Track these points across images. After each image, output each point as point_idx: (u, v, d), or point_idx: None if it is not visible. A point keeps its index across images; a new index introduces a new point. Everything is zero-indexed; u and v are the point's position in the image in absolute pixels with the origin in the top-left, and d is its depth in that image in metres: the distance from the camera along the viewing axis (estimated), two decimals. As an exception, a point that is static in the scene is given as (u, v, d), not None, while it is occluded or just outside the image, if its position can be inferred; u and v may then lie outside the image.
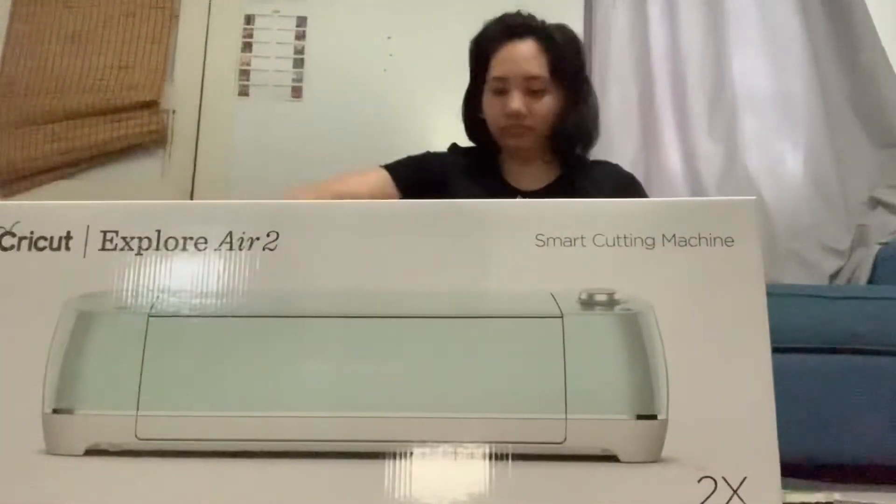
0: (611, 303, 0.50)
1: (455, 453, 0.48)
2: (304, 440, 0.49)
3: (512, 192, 1.27)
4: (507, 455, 0.48)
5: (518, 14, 1.29)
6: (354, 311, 0.50)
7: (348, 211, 0.53)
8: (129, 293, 0.51)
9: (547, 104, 1.24)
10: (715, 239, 0.51)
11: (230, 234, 0.52)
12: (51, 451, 0.49)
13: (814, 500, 0.95)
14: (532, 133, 1.24)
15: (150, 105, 2.22)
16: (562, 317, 0.50)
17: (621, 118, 2.16)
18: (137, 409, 0.49)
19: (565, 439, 0.49)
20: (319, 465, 0.48)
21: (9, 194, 2.16)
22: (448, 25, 2.12)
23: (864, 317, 1.32)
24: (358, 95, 2.16)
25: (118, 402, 0.49)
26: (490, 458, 0.48)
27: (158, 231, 0.52)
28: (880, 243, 1.91)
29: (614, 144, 2.13)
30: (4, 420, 0.49)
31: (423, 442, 0.48)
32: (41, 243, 0.52)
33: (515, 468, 0.47)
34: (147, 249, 0.52)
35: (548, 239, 0.51)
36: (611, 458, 0.49)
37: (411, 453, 0.48)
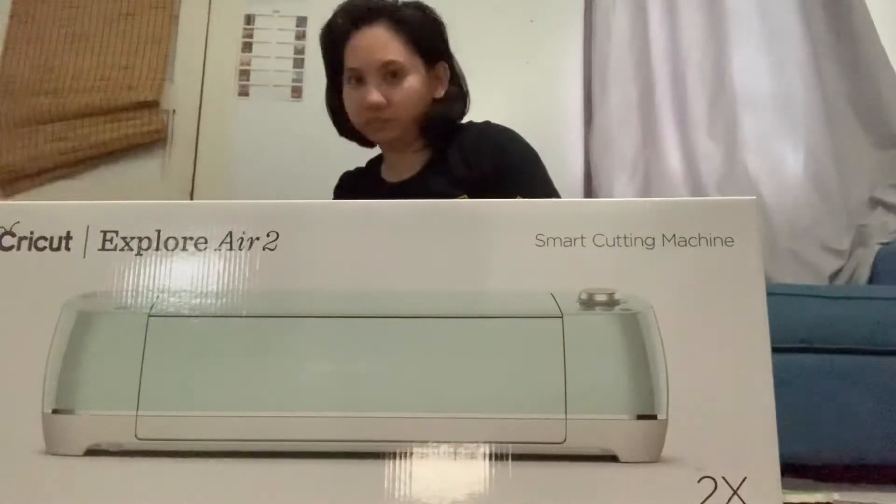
0: (611, 303, 0.50)
1: (455, 453, 0.48)
2: (304, 440, 0.49)
3: (379, 187, 1.22)
4: (507, 455, 0.48)
5: None
6: (354, 311, 0.51)
7: (349, 211, 0.53)
8: (129, 293, 0.51)
9: (408, 89, 1.13)
10: (715, 239, 0.51)
11: (230, 234, 0.52)
12: (51, 451, 0.49)
13: (813, 500, 0.95)
14: (396, 123, 1.14)
15: (151, 105, 2.22)
16: (562, 317, 0.50)
17: (621, 118, 2.16)
18: (137, 410, 0.49)
19: (565, 439, 0.49)
20: (319, 466, 0.48)
21: (9, 194, 2.16)
22: (448, 25, 2.12)
23: (864, 317, 1.32)
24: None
25: (118, 403, 0.49)
26: (490, 458, 0.48)
27: (158, 231, 0.52)
28: (880, 243, 1.91)
29: (614, 144, 2.14)
30: (4, 420, 0.49)
31: (423, 442, 0.48)
32: (41, 243, 0.52)
33: (515, 468, 0.48)
34: (147, 249, 0.52)
35: (548, 239, 0.51)
36: (611, 458, 0.49)
37: (411, 453, 0.48)
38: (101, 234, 0.52)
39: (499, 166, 1.12)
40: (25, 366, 0.50)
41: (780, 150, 2.08)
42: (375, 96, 1.11)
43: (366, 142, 1.23)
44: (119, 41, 2.28)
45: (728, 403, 0.48)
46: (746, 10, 2.19)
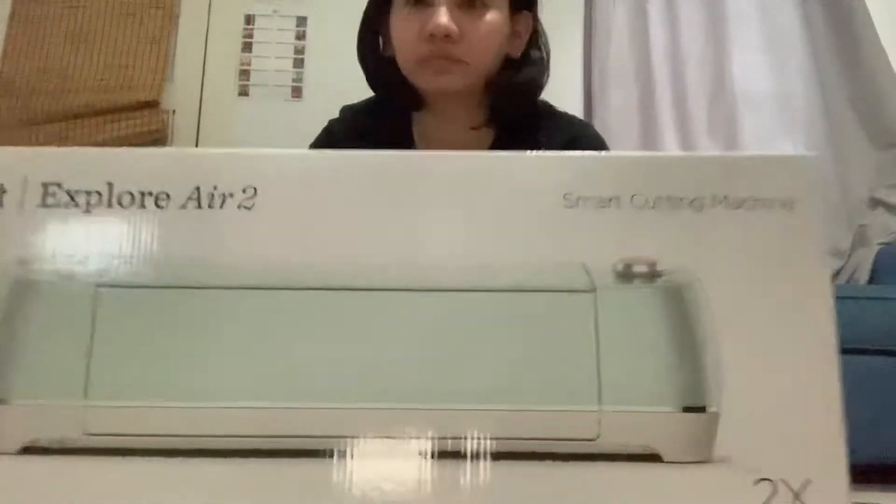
0: (651, 275, 0.43)
1: (466, 451, 0.41)
2: (290, 436, 0.42)
3: None
4: (528, 454, 0.41)
5: None
6: (348, 284, 0.43)
7: (340, 163, 0.45)
8: (75, 258, 0.43)
9: (489, 25, 0.82)
10: (773, 201, 0.43)
11: (197, 189, 0.44)
12: None
13: None
14: (464, 69, 0.82)
15: (151, 105, 2.22)
16: (594, 291, 0.43)
17: (621, 118, 2.16)
18: (86, 399, 0.41)
19: (599, 436, 0.42)
20: (311, 465, 0.41)
21: (9, 194, 2.16)
22: (448, 25, 2.12)
23: (864, 317, 1.32)
24: (358, 95, 2.15)
25: (62, 390, 0.42)
26: (508, 457, 0.41)
27: (111, 184, 0.44)
28: (880, 243, 1.91)
29: (614, 144, 2.13)
30: None
31: (428, 437, 0.41)
32: None
33: (538, 469, 0.41)
34: (97, 206, 0.44)
35: (578, 199, 0.43)
36: (652, 458, 0.42)
37: (417, 449, 0.41)
38: (42, 188, 0.44)
39: None
40: None
41: (779, 149, 2.08)
42: (446, 20, 0.79)
43: (404, 106, 0.90)
44: (119, 41, 2.28)
45: (788, 394, 0.41)
46: (746, 10, 2.19)
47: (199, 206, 0.43)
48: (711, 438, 0.41)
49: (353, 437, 0.41)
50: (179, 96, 2.26)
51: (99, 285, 0.42)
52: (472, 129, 0.88)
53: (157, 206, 0.43)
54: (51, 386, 0.42)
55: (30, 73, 2.24)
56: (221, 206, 0.44)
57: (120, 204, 0.44)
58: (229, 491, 0.41)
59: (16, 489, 0.40)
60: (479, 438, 0.41)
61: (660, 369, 0.42)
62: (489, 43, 0.83)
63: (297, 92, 2.24)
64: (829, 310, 0.42)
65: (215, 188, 0.44)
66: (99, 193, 0.44)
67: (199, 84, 2.27)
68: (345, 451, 0.41)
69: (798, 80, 2.13)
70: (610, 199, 0.44)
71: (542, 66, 0.93)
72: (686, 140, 2.12)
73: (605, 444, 0.42)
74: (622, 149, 2.13)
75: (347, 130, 0.94)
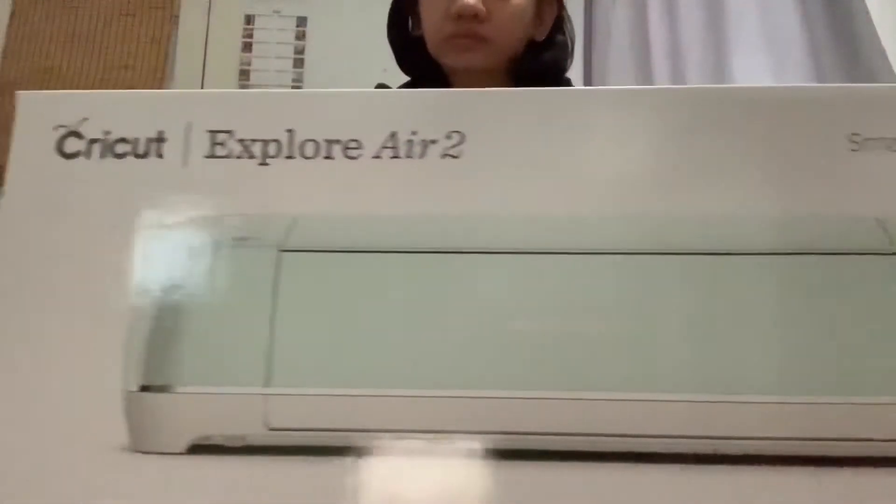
0: None
1: (763, 453, 0.32)
2: (552, 433, 0.33)
3: None
4: (827, 458, 0.33)
5: None
6: (584, 245, 0.34)
7: (570, 101, 0.37)
8: (252, 219, 0.36)
9: (514, 7, 0.85)
10: None
11: (394, 135, 0.36)
12: (138, 447, 0.33)
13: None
14: (489, 48, 0.85)
15: (150, 105, 2.22)
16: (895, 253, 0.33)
17: (621, 118, 2.16)
18: (267, 386, 0.33)
19: None
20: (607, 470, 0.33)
21: (9, 194, 2.16)
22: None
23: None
24: (358, 95, 2.15)
25: (238, 376, 0.34)
26: (795, 462, 0.32)
27: (290, 131, 0.37)
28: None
29: (614, 144, 2.14)
30: (69, 402, 0.33)
31: (708, 438, 0.33)
32: (120, 148, 0.36)
33: (839, 476, 0.32)
34: (275, 157, 0.36)
35: (866, 140, 0.35)
36: None
37: (701, 456, 0.33)
38: (209, 136, 0.36)
39: None
40: (99, 324, 0.34)
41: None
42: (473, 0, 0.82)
43: (438, 79, 0.91)
44: (119, 41, 2.27)
45: None
46: (746, 10, 2.19)
47: (396, 156, 0.36)
48: None
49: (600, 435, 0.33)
50: (179, 96, 2.26)
51: (282, 249, 0.35)
52: None
53: (347, 155, 0.36)
54: (225, 371, 0.34)
55: (30, 73, 2.24)
56: (422, 155, 0.36)
57: (302, 154, 0.36)
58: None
59: (184, 497, 0.32)
60: (751, 439, 0.33)
61: None
62: (514, 24, 0.86)
63: (297, 92, 2.24)
64: None
65: (414, 134, 0.36)
66: (278, 142, 0.37)
67: (199, 84, 2.27)
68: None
69: (798, 80, 2.13)
70: None
71: (566, 50, 0.95)
72: (686, 140, 2.12)
73: None
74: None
75: None
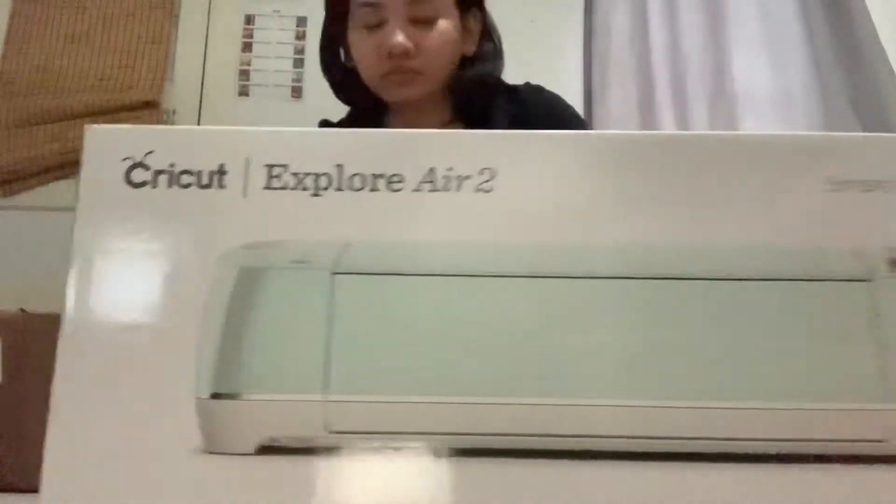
0: None
1: (746, 454, 0.38)
2: (568, 435, 0.37)
3: None
4: (810, 457, 0.38)
5: None
6: (608, 271, 0.39)
7: (595, 142, 0.42)
8: (307, 244, 0.41)
9: (442, 34, 0.88)
10: None
11: (432, 170, 0.41)
12: (210, 448, 0.38)
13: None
14: (424, 78, 0.89)
15: (151, 105, 2.21)
16: (870, 280, 0.39)
17: (621, 118, 2.16)
18: (326, 393, 0.38)
19: (888, 437, 0.38)
20: (593, 468, 0.38)
21: (9, 194, 2.16)
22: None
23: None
24: (358, 95, 2.16)
25: (300, 384, 0.39)
26: (785, 461, 0.37)
27: (340, 166, 0.41)
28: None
29: (614, 144, 2.14)
30: (147, 409, 0.38)
31: (703, 439, 0.38)
32: (185, 179, 0.41)
33: (822, 472, 0.37)
34: (326, 189, 0.41)
35: (842, 182, 0.40)
36: None
37: (694, 455, 0.38)
38: (266, 170, 0.41)
39: None
40: (172, 337, 0.39)
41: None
42: (402, 38, 0.85)
43: (375, 107, 0.96)
44: (119, 41, 2.27)
45: None
46: (746, 11, 2.19)
47: (435, 189, 0.41)
48: None
49: (603, 437, 0.38)
50: (179, 96, 2.26)
51: (334, 272, 0.40)
52: (443, 124, 0.93)
53: (390, 188, 0.41)
54: (288, 379, 0.39)
55: (30, 73, 2.24)
56: (458, 189, 0.41)
57: (351, 187, 0.41)
58: (490, 491, 0.37)
59: (255, 492, 0.37)
60: (754, 440, 0.38)
61: None
62: (444, 51, 0.89)
63: (297, 92, 2.24)
64: None
65: (450, 170, 0.41)
66: (328, 176, 0.42)
67: (199, 84, 2.27)
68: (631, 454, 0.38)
69: (798, 80, 2.13)
70: (879, 182, 0.40)
71: (496, 59, 0.99)
72: (686, 140, 2.12)
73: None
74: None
75: None
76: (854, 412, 0.38)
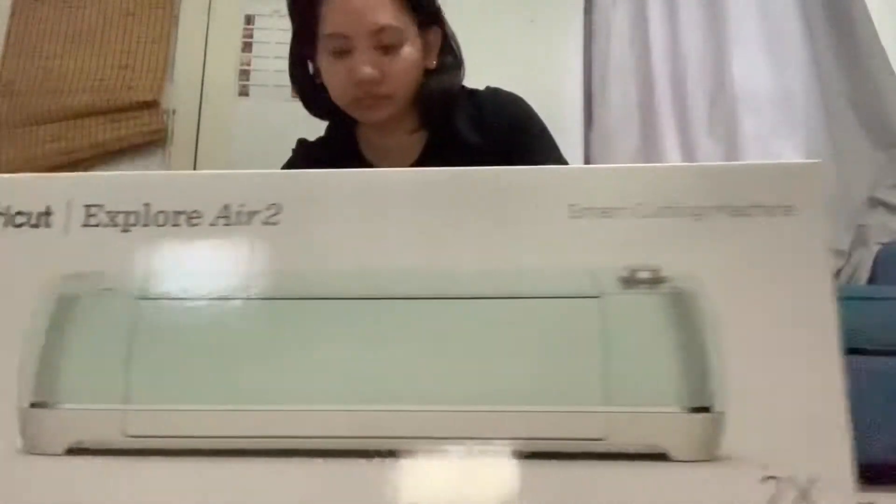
0: (655, 281, 0.44)
1: (480, 451, 0.43)
2: (308, 437, 0.44)
3: None
4: (538, 454, 0.43)
5: None
6: (366, 293, 0.45)
7: (358, 180, 0.48)
8: (116, 274, 0.46)
9: (405, 60, 0.94)
10: (774, 208, 0.45)
11: (226, 207, 0.47)
12: (28, 449, 0.44)
13: None
14: (391, 101, 0.95)
15: (151, 105, 2.22)
16: (599, 297, 0.44)
17: (621, 118, 2.16)
18: (125, 403, 0.45)
19: (606, 435, 0.43)
20: (325, 465, 0.44)
21: (9, 194, 2.16)
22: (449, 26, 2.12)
23: (864, 317, 1.32)
24: (358, 95, 2.16)
25: (103, 396, 0.45)
26: (519, 456, 0.43)
27: (147, 205, 0.47)
28: (880, 243, 1.91)
29: (614, 144, 2.14)
30: None
31: (442, 438, 0.43)
32: (19, 220, 0.48)
33: (548, 468, 0.42)
34: (135, 225, 0.47)
35: (582, 209, 0.46)
36: (659, 457, 0.43)
37: (428, 451, 0.43)
38: (84, 209, 0.47)
39: (518, 136, 1.00)
40: (2, 356, 0.45)
41: (779, 150, 2.08)
42: (369, 70, 0.91)
43: (345, 122, 1.03)
44: (119, 41, 2.28)
45: (794, 393, 0.42)
46: (746, 10, 2.19)
47: (228, 224, 0.47)
48: (717, 437, 0.42)
49: (357, 438, 0.44)
50: (179, 96, 2.26)
51: (138, 298, 0.46)
52: (410, 133, 1.01)
53: (190, 224, 0.47)
54: (93, 391, 0.45)
55: (30, 73, 2.24)
56: (248, 223, 0.47)
57: (156, 223, 0.47)
58: (263, 492, 0.43)
59: (64, 486, 0.44)
60: (492, 439, 0.43)
61: (665, 371, 0.44)
62: (409, 74, 0.95)
63: (297, 92, 2.24)
64: (832, 312, 0.44)
65: (242, 206, 0.47)
66: (136, 214, 0.47)
67: (199, 84, 2.27)
68: (356, 452, 0.43)
69: (798, 80, 2.13)
70: (613, 210, 0.46)
71: (456, 70, 1.04)
72: (686, 140, 2.12)
73: (613, 444, 0.43)
74: (622, 148, 2.13)
75: (306, 158, 1.09)
76: (578, 414, 0.43)
